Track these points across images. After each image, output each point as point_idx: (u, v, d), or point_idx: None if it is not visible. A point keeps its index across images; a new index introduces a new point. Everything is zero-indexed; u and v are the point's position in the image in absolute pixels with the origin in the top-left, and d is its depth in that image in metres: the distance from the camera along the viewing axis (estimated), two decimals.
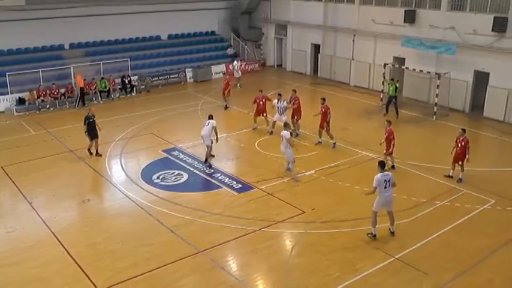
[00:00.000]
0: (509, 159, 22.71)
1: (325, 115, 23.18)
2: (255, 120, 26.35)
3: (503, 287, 13.64)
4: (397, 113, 28.62)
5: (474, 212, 17.56)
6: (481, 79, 29.09)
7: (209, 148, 21.75)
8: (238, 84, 35.30)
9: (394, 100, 28.65)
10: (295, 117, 24.95)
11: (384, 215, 15.70)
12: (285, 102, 24.91)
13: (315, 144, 23.60)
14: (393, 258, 14.57)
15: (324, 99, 23.48)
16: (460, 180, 19.68)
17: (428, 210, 17.56)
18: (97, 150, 22.46)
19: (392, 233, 15.74)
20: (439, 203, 18.09)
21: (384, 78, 30.74)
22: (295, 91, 25.53)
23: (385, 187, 15.14)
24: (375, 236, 15.48)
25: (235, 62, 37.21)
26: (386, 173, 15.30)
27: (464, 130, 19.90)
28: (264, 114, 26.15)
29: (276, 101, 25.29)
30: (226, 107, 30.20)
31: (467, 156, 19.56)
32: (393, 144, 20.40)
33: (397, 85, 28.76)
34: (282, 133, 19.90)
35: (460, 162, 19.74)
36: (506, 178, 20.37)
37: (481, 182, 19.80)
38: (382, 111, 29.85)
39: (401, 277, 13.82)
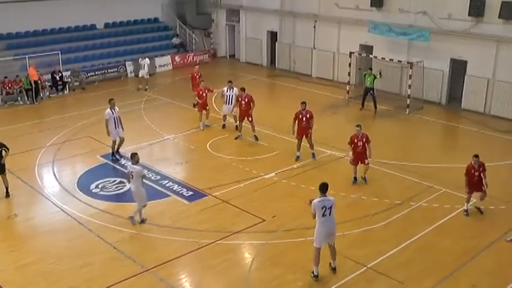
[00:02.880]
0: (491, 153, 23.17)
1: (307, 122, 21.97)
2: (201, 118, 26.45)
3: None
4: (375, 107, 29.03)
5: (454, 212, 17.97)
6: (458, 68, 29.79)
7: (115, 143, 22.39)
8: (144, 87, 33.83)
9: (371, 92, 28.92)
10: (250, 119, 24.42)
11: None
12: (236, 90, 25.16)
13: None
14: (365, 268, 14.77)
15: (305, 103, 22.07)
16: (481, 211, 18.06)
17: (404, 213, 17.87)
18: (6, 189, 19.43)
19: (334, 269, 14.64)
20: (415, 204, 18.45)
21: (360, 69, 30.64)
22: (243, 89, 24.62)
23: (324, 215, 13.91)
24: (317, 276, 14.33)
25: (145, 59, 34.49)
26: (327, 198, 13.98)
27: (477, 156, 17.68)
28: (207, 108, 26.48)
29: (225, 88, 25.50)
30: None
31: (484, 180, 17.63)
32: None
33: (378, 76, 28.73)
34: (129, 167, 17.18)
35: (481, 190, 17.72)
36: (487, 174, 20.79)
37: (461, 180, 20.15)
38: (348, 105, 30.29)
39: None
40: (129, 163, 17.49)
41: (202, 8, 44.47)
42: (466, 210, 17.80)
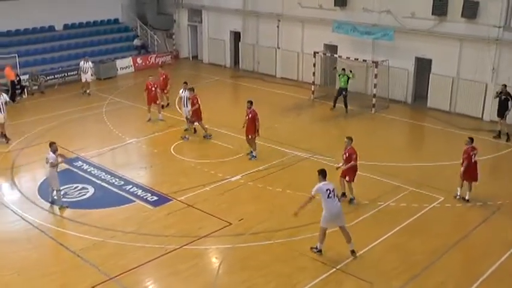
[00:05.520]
0: (457, 151, 23.53)
1: (252, 121, 22.41)
2: (149, 110, 27.38)
3: None
4: (346, 108, 29.15)
5: (422, 211, 18.23)
6: (423, 66, 30.23)
7: None
8: (88, 91, 33.27)
9: (344, 93, 29.03)
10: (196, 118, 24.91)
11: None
12: (188, 92, 25.25)
13: (246, 154, 23.16)
14: (334, 269, 14.88)
15: (251, 102, 22.72)
16: (467, 201, 18.79)
17: (371, 213, 18.08)
18: None
19: (353, 252, 15.36)
20: (382, 204, 18.66)
21: (335, 68, 30.88)
22: (192, 89, 25.03)
23: (329, 197, 14.95)
24: (320, 251, 15.53)
25: (88, 62, 33.78)
26: (328, 182, 15.22)
27: (471, 139, 18.92)
28: (157, 102, 27.48)
29: (181, 90, 25.56)
30: (166, 105, 29.78)
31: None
32: (355, 171, 18.88)
33: (351, 76, 29.02)
34: (47, 155, 18.45)
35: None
36: (454, 172, 20.97)
37: (428, 178, 20.58)
38: (313, 105, 30.49)
39: None
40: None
41: (164, 8, 44.25)
42: (464, 198, 18.92)
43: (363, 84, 32.00)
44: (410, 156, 23.58)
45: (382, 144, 24.78)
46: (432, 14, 28.54)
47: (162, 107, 28.77)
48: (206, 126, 25.16)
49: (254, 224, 17.43)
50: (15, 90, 31.66)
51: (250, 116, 22.35)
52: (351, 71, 29.24)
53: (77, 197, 19.63)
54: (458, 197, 19.07)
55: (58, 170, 18.92)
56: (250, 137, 22.61)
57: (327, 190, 14.98)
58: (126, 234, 16.94)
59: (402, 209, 18.40)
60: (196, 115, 24.81)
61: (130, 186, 20.37)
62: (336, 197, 15.21)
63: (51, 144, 18.52)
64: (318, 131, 26.81)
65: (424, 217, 17.90)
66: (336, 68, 30.81)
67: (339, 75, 29.43)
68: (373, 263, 15.22)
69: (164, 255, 15.75)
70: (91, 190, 20.22)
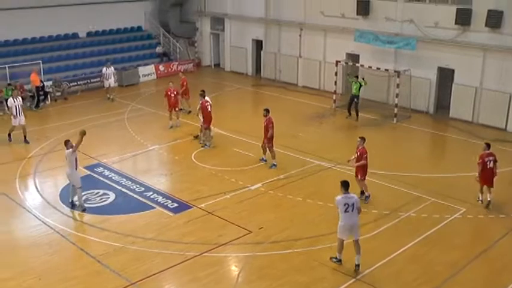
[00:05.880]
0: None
1: (266, 129, 22.44)
2: (170, 117, 27.71)
3: None
4: (357, 115, 29.22)
5: (443, 222, 18.08)
6: (446, 76, 30.03)
7: None
8: (111, 96, 33.72)
9: (356, 100, 29.07)
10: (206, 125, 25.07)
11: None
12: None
13: (259, 159, 23.34)
14: (354, 279, 14.81)
15: (267, 110, 22.67)
16: (488, 206, 18.94)
17: (392, 223, 17.98)
18: None
19: (357, 266, 15.25)
20: (403, 215, 18.54)
21: (348, 74, 31.04)
22: (202, 95, 25.10)
23: (347, 211, 14.84)
24: (339, 260, 15.46)
25: (110, 68, 34.18)
26: (351, 195, 15.05)
27: (488, 145, 19.37)
28: (176, 109, 27.81)
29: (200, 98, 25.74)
30: (188, 112, 29.95)
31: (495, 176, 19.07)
32: (365, 169, 19.40)
33: (363, 83, 28.97)
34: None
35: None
36: (476, 183, 20.82)
37: (450, 189, 20.38)
38: (335, 114, 30.45)
39: None
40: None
41: (186, 16, 44.49)
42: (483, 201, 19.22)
43: (384, 93, 31.90)
44: (432, 166, 23.40)
45: (404, 154, 24.67)
46: (455, 23, 28.37)
47: (180, 110, 28.92)
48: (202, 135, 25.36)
49: (274, 232, 17.40)
50: (39, 96, 32.01)
51: (264, 123, 22.44)
52: (363, 79, 29.20)
53: (98, 203, 19.75)
54: (480, 201, 19.17)
55: (80, 175, 19.14)
56: (265, 144, 22.68)
57: (345, 204, 14.82)
58: (146, 240, 17.00)
59: (423, 219, 18.26)
60: (205, 121, 24.82)
61: (151, 193, 20.46)
62: (355, 210, 14.92)
63: (66, 142, 19.01)
64: (340, 140, 26.77)
65: (445, 228, 17.75)
66: (349, 74, 30.84)
67: (352, 82, 29.44)
68: (393, 274, 15.12)
69: (184, 262, 15.77)
70: (112, 196, 20.33)
